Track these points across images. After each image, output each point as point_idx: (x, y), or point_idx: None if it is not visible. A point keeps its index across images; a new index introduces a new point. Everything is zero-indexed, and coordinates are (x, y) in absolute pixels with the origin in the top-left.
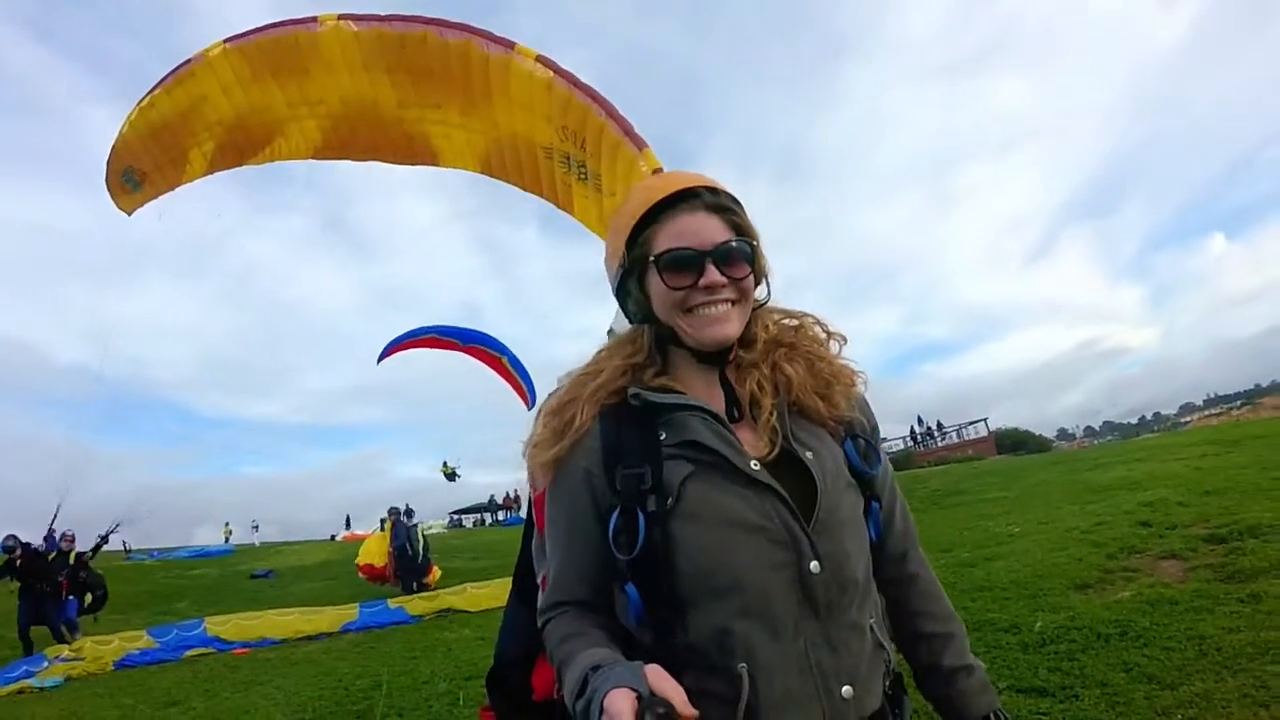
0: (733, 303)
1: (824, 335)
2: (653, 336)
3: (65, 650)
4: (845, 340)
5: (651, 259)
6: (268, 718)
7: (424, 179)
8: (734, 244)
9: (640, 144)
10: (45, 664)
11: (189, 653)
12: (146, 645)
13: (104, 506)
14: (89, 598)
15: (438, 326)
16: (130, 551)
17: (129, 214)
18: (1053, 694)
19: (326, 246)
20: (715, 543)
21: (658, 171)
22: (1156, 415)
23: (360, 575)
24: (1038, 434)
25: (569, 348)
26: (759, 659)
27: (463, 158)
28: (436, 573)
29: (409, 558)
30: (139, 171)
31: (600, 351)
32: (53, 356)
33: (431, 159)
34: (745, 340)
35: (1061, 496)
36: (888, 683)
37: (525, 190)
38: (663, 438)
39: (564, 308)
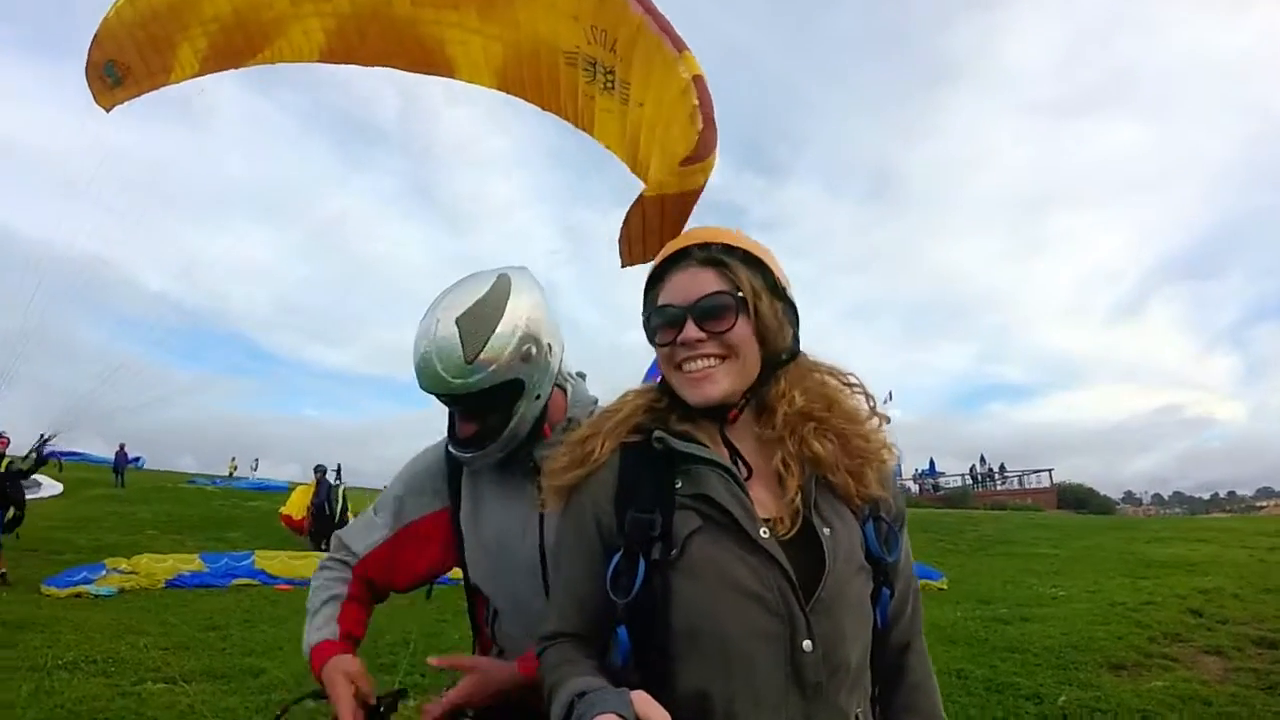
0: (720, 358)
1: (865, 409)
2: (667, 387)
3: (124, 563)
4: (888, 420)
5: (648, 321)
6: (298, 655)
7: (513, 157)
8: (715, 296)
9: (680, 45)
10: (104, 572)
11: (235, 581)
12: (197, 569)
13: (169, 428)
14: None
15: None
16: (233, 475)
17: (107, 110)
18: None
19: (412, 210)
20: (710, 603)
21: (698, 79)
22: (1231, 494)
23: (281, 524)
24: (1102, 494)
25: (638, 337)
26: None
27: (479, 70)
28: None
29: (325, 517)
30: (122, 65)
31: (627, 393)
32: (142, 281)
33: (447, 69)
34: (763, 404)
35: (1114, 566)
36: None
37: (543, 108)
38: (678, 486)
39: (636, 298)
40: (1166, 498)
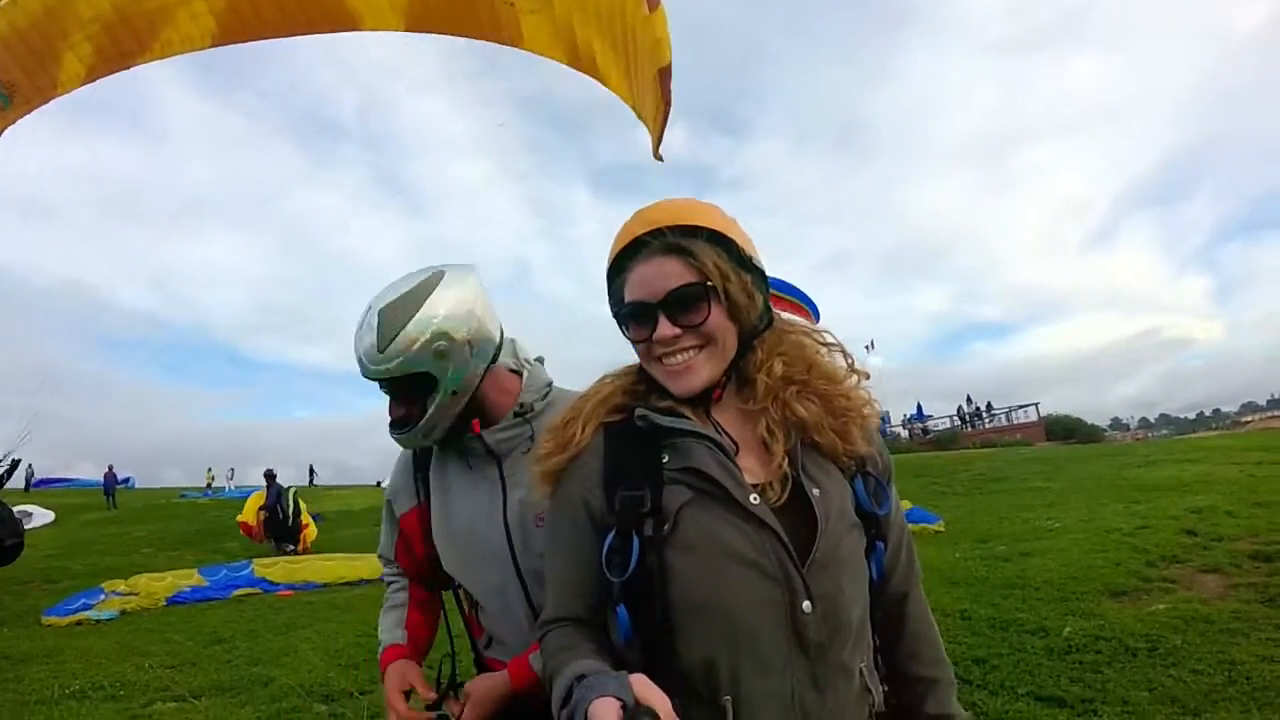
0: (698, 348)
1: (844, 366)
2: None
3: (122, 585)
4: (867, 376)
5: (620, 311)
6: (306, 660)
7: (476, 139)
8: (685, 290)
9: None
10: (103, 596)
11: (237, 592)
12: (197, 583)
13: (161, 444)
14: None
15: None
16: (211, 486)
17: None
18: (1071, 705)
19: (379, 202)
20: (708, 574)
21: None
22: (1216, 412)
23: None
24: (1090, 423)
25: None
26: (744, 693)
27: (383, 14)
28: (310, 534)
29: (278, 520)
30: (7, 84)
31: (605, 376)
32: (115, 300)
33: (350, 22)
34: (744, 376)
35: (1107, 493)
36: None
37: (459, 35)
38: (665, 461)
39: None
40: (1153, 420)
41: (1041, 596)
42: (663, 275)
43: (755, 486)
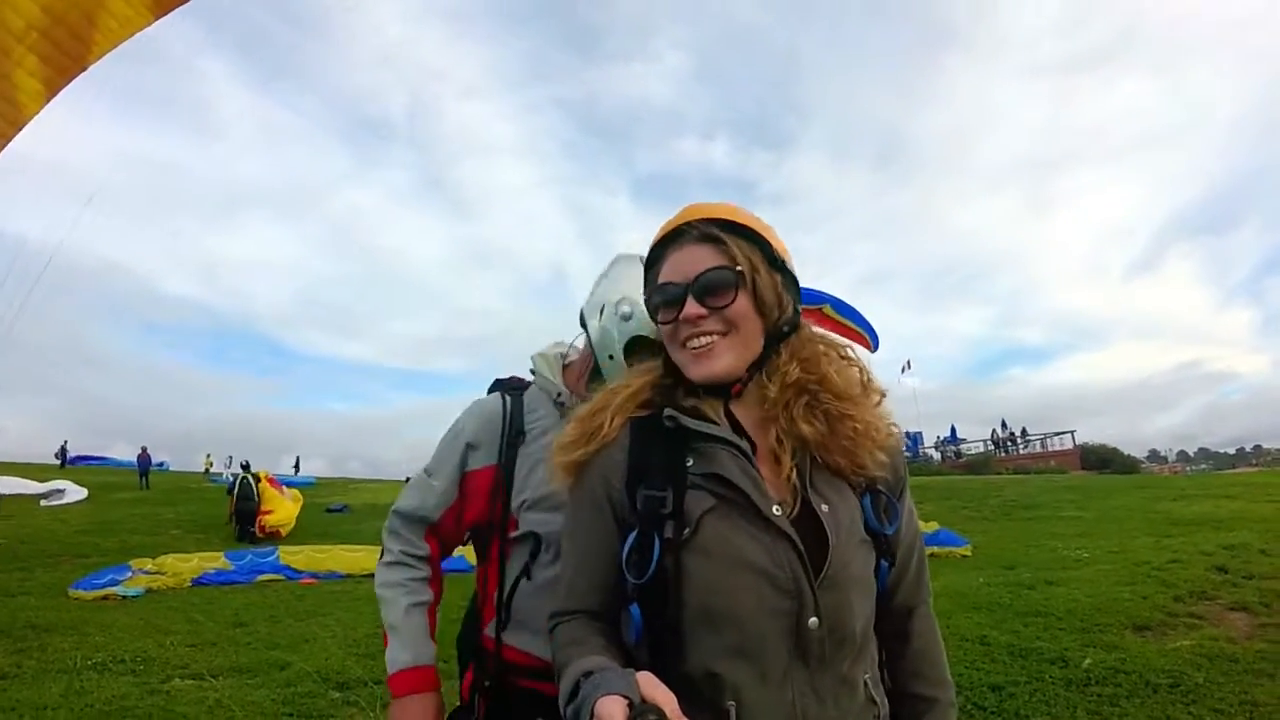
0: (721, 334)
1: (859, 385)
2: (667, 363)
3: (149, 564)
4: (884, 394)
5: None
6: (324, 648)
7: (523, 144)
8: (714, 272)
9: None
10: (130, 574)
11: (260, 577)
12: (222, 566)
13: (197, 428)
14: None
15: None
16: (209, 471)
17: None
18: None
19: (424, 202)
20: (723, 581)
21: None
22: (1257, 448)
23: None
24: (1127, 453)
25: None
26: (746, 701)
27: None
28: (272, 519)
29: (246, 509)
30: None
31: (632, 369)
32: (160, 286)
33: None
34: (764, 378)
35: (1139, 525)
36: None
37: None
38: (689, 464)
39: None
40: (1192, 454)
41: (1064, 626)
42: (694, 260)
43: (778, 500)
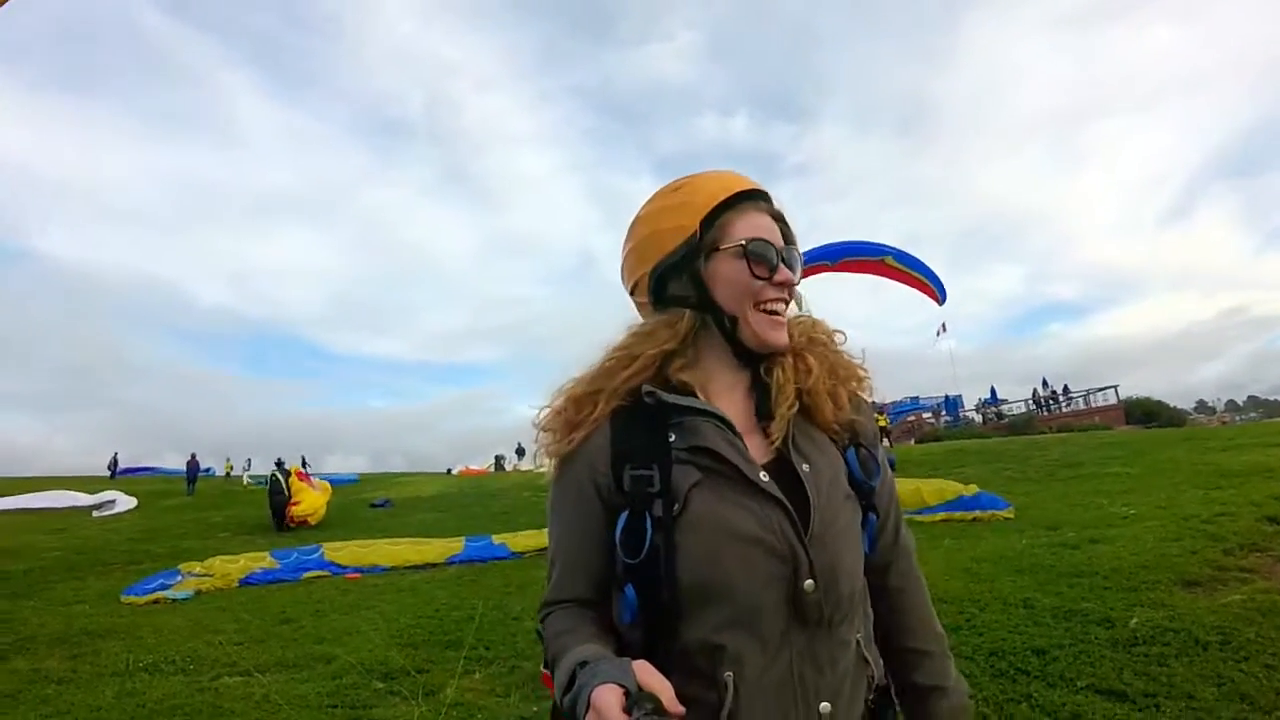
0: (785, 307)
1: (829, 330)
2: (691, 323)
3: (198, 566)
4: (845, 336)
5: (741, 242)
6: (367, 640)
7: (542, 132)
8: (792, 250)
9: None
10: (180, 578)
11: (306, 574)
12: (269, 565)
13: (243, 431)
14: None
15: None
16: (230, 475)
17: None
18: (1133, 700)
19: (449, 196)
20: (716, 554)
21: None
22: None
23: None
24: (1172, 405)
25: None
26: (745, 669)
27: None
28: (299, 510)
29: (278, 503)
30: None
31: (631, 336)
32: (197, 297)
33: None
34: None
35: (1187, 478)
36: (870, 698)
37: None
38: (672, 439)
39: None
40: (1241, 403)
41: (1109, 585)
42: (775, 230)
43: (763, 465)
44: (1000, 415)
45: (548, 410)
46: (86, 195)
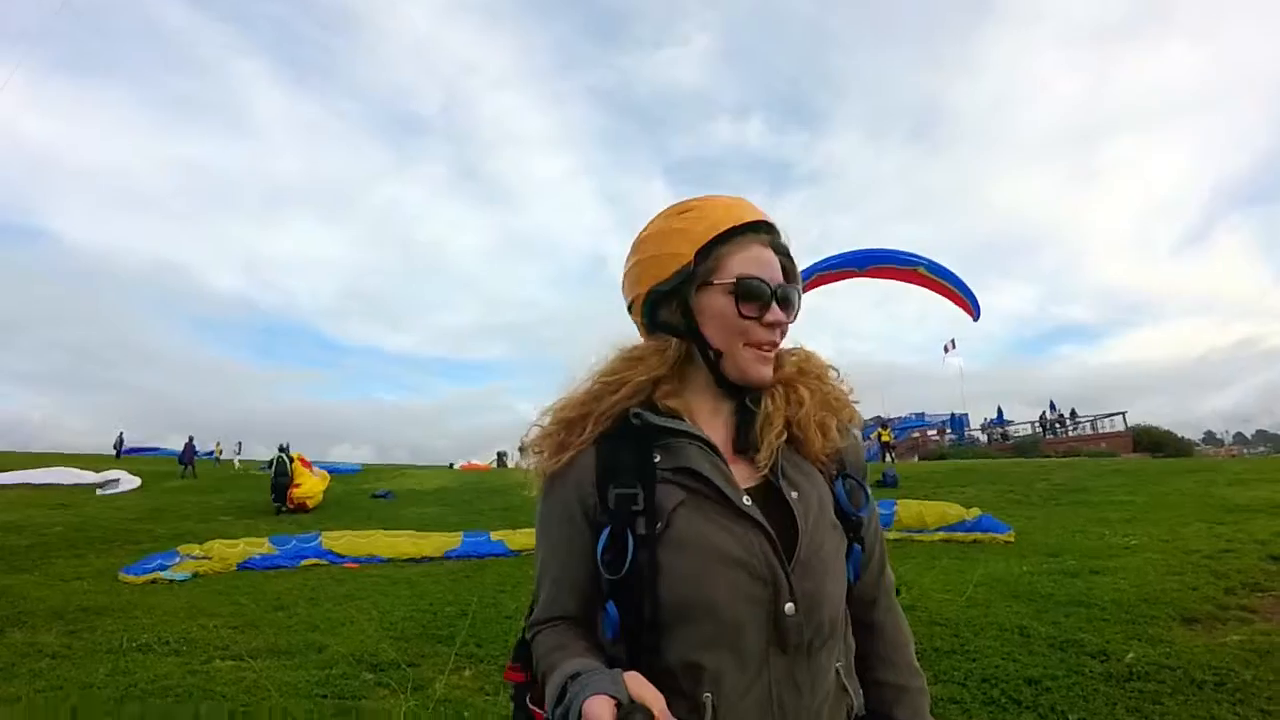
0: (774, 346)
1: (823, 364)
2: (679, 351)
3: (196, 549)
4: (838, 372)
5: (732, 280)
6: (360, 630)
7: (556, 133)
8: (791, 289)
9: None
10: (178, 559)
11: (304, 562)
12: (267, 551)
13: (251, 419)
14: None
15: (829, 260)
16: (219, 458)
17: None
18: None
19: (462, 194)
20: (698, 573)
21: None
22: None
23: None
24: (1180, 435)
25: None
26: (724, 690)
27: None
28: (299, 492)
29: (280, 484)
30: None
31: (621, 360)
32: (210, 284)
33: None
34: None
35: (1192, 511)
36: None
37: None
38: (657, 460)
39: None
40: (1249, 436)
41: (1107, 618)
42: (775, 266)
43: (747, 490)
44: (1006, 436)
45: (537, 431)
46: (103, 178)
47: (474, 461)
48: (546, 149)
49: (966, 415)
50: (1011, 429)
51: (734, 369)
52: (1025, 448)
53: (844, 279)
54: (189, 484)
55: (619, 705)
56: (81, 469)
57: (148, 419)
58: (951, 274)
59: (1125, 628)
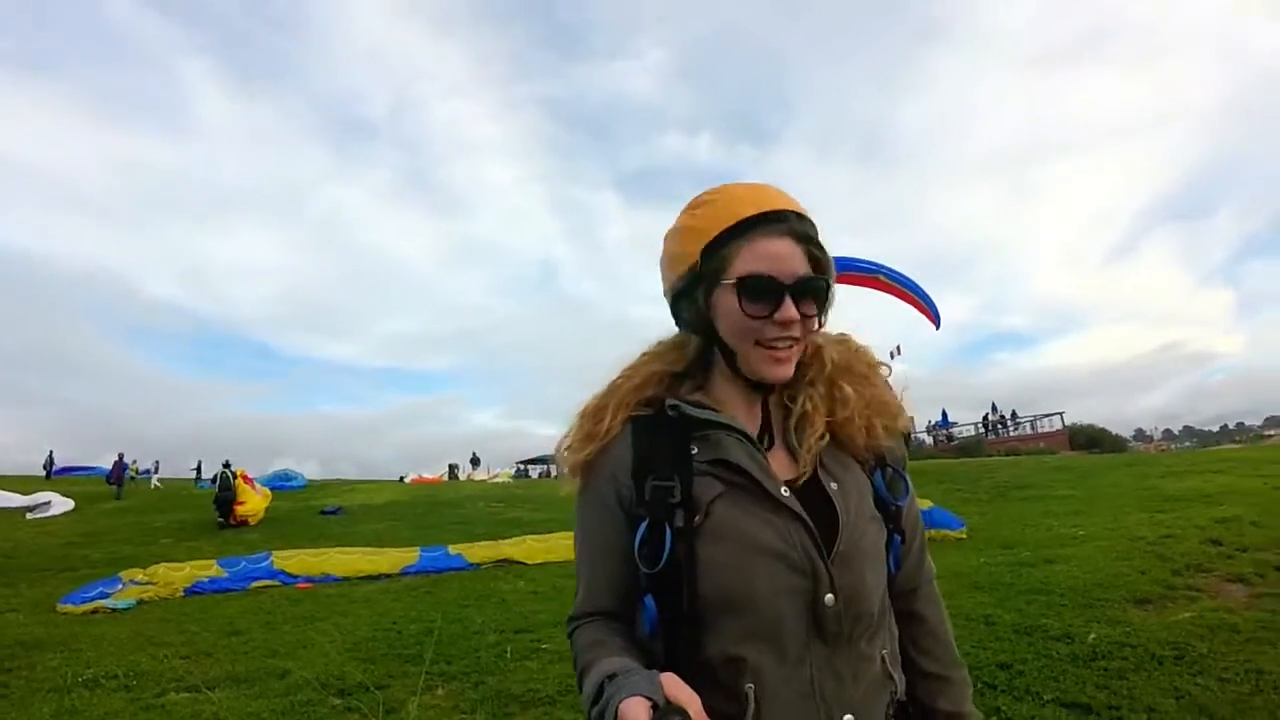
0: (796, 341)
1: (865, 364)
2: (699, 348)
3: (140, 574)
4: (890, 370)
5: (734, 280)
6: (323, 653)
7: (507, 141)
8: (814, 282)
9: None
10: (120, 586)
11: (255, 584)
12: (216, 574)
13: (189, 435)
14: None
15: None
16: (200, 478)
17: None
18: (1097, 712)
19: (409, 201)
20: (737, 565)
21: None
22: (1240, 425)
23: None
24: (1114, 433)
25: (644, 311)
26: (765, 682)
27: None
28: (244, 509)
29: (224, 499)
30: None
31: (643, 355)
32: (145, 291)
33: None
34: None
35: (1131, 502)
36: (891, 711)
37: None
38: (694, 452)
39: (640, 271)
40: (1177, 432)
41: (1066, 603)
42: (793, 259)
43: (786, 481)
44: (951, 438)
45: (568, 434)
46: (32, 178)
47: (424, 475)
48: (495, 156)
49: (912, 418)
50: (955, 430)
51: (747, 368)
52: (970, 448)
53: None
54: (126, 505)
55: (655, 707)
56: (8, 491)
57: (80, 435)
58: (912, 282)
59: (1084, 611)
